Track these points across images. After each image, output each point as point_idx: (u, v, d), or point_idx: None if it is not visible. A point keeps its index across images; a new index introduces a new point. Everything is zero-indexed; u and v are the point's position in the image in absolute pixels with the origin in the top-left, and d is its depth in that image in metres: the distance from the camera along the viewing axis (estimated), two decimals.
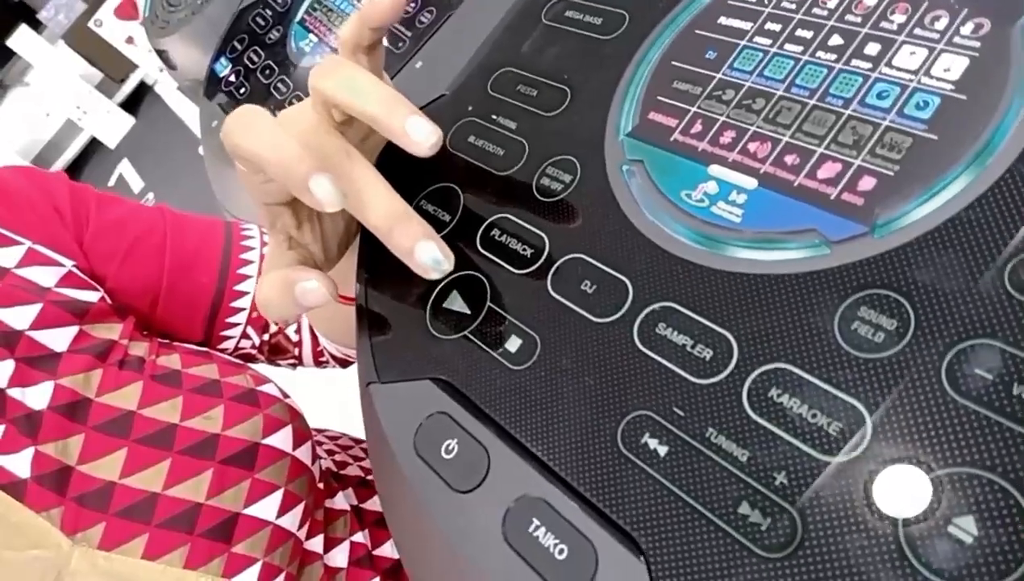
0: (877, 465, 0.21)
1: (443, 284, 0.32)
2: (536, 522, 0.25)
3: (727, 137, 0.29)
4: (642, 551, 0.23)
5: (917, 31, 0.27)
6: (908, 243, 0.23)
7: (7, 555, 0.38)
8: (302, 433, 0.49)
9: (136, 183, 3.35)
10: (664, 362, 0.26)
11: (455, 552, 0.26)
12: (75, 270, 0.47)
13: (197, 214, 0.59)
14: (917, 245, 0.23)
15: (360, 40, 0.32)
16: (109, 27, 3.18)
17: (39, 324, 0.43)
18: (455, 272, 0.31)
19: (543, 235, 0.31)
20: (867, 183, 0.25)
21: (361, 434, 0.47)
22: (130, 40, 3.19)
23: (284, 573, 0.44)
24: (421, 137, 0.28)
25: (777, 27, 0.30)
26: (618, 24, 0.35)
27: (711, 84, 0.30)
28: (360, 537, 0.52)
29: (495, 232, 0.32)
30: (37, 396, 0.41)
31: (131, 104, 3.70)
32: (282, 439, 0.47)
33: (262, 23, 0.72)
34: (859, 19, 0.28)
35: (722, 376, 0.24)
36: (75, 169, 3.70)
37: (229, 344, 0.58)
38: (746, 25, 0.31)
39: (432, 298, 0.32)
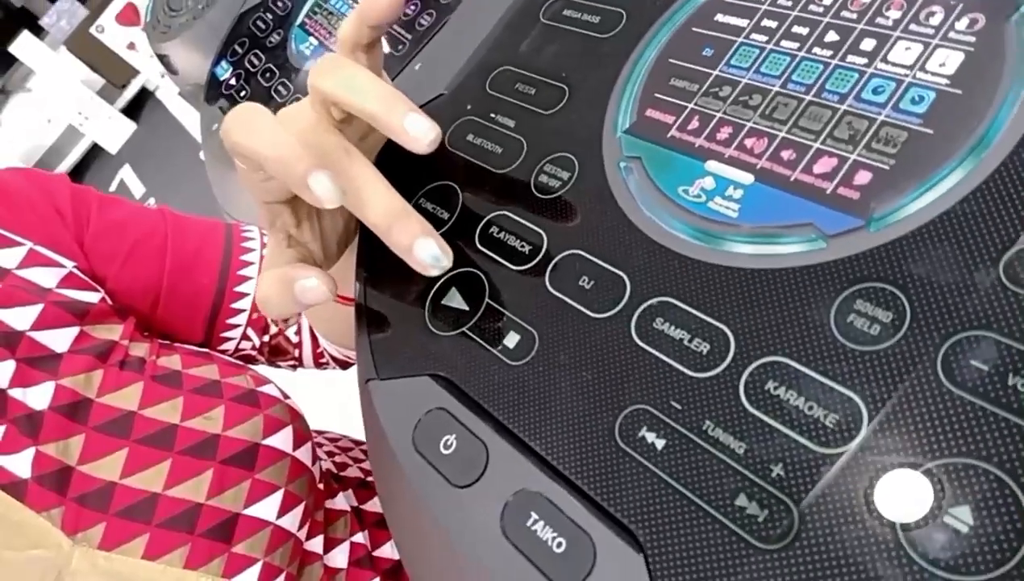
0: (873, 456, 0.21)
1: (442, 281, 0.32)
2: (534, 516, 0.25)
3: (724, 133, 0.29)
4: (640, 544, 0.23)
5: (912, 27, 0.27)
6: (904, 237, 0.23)
7: (8, 555, 0.38)
8: (302, 434, 0.49)
9: (137, 189, 3.36)
10: (661, 356, 0.26)
11: (454, 547, 0.26)
12: (76, 271, 0.48)
13: (198, 216, 0.59)
14: (913, 238, 0.23)
15: (359, 39, 0.32)
16: (111, 33, 3.19)
17: (40, 325, 0.43)
18: (454, 269, 0.31)
19: (541, 232, 0.31)
20: (863, 177, 0.25)
21: (361, 435, 0.48)
22: (131, 46, 3.21)
23: (284, 573, 0.44)
24: (420, 134, 0.28)
25: (773, 24, 0.30)
26: (616, 22, 0.35)
27: (708, 81, 0.30)
28: (360, 538, 0.52)
29: (494, 229, 0.32)
30: (38, 396, 0.41)
31: (132, 110, 3.71)
32: (282, 440, 0.47)
33: (263, 27, 0.73)
34: (854, 15, 0.28)
35: (719, 370, 0.24)
36: (76, 174, 3.71)
37: (229, 345, 0.58)
38: (742, 22, 0.31)
39: (431, 295, 0.32)
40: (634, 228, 0.29)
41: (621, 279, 0.28)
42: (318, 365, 0.64)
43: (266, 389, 0.49)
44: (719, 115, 0.29)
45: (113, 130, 3.61)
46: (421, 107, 0.29)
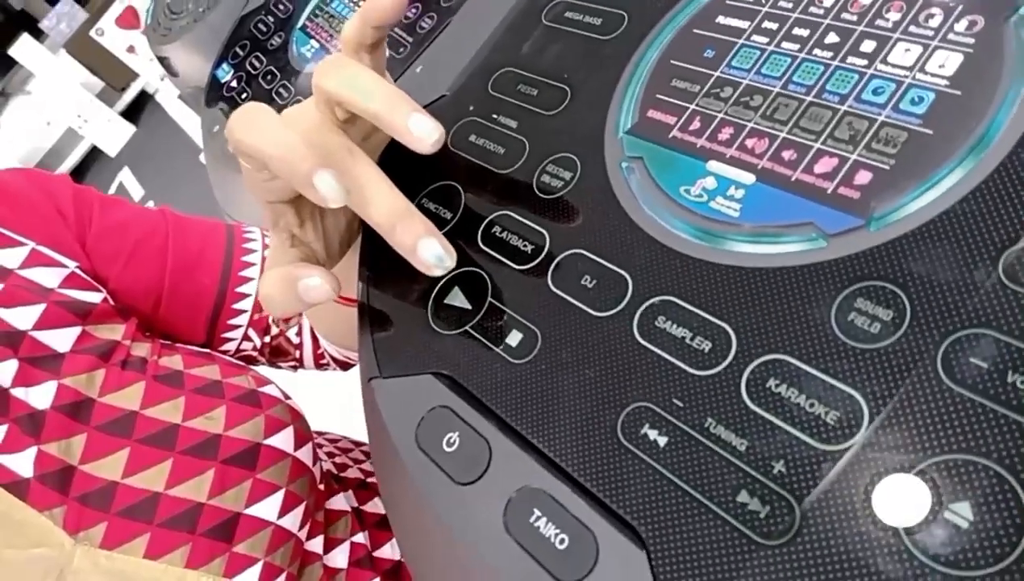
0: (874, 453, 0.21)
1: (445, 280, 0.32)
2: (537, 513, 0.25)
3: (725, 133, 0.29)
4: (642, 540, 0.23)
5: (912, 28, 0.27)
6: (904, 236, 0.24)
7: (9, 554, 0.38)
8: (303, 434, 0.49)
9: (136, 191, 3.36)
10: (663, 354, 0.26)
11: (457, 544, 0.26)
12: (78, 271, 0.48)
13: (199, 217, 0.59)
14: (912, 237, 0.23)
15: (363, 39, 0.32)
16: (110, 36, 3.20)
17: (42, 324, 0.43)
18: (457, 268, 0.31)
19: (544, 232, 0.31)
20: (863, 177, 0.25)
21: (361, 436, 0.48)
22: (131, 49, 3.21)
23: (285, 573, 0.44)
24: (424, 133, 0.28)
25: (774, 26, 0.30)
26: (617, 24, 0.35)
27: (709, 82, 0.31)
28: (360, 538, 0.52)
29: (496, 229, 0.33)
30: (40, 396, 0.41)
31: (132, 113, 3.72)
32: (283, 440, 0.47)
33: (264, 29, 0.73)
34: (855, 17, 0.28)
35: (721, 367, 0.25)
36: (76, 177, 3.68)
37: (230, 346, 0.58)
38: (744, 24, 0.31)
39: (434, 294, 0.32)
40: (636, 227, 0.29)
41: (623, 278, 0.28)
42: (319, 366, 0.64)
43: (267, 389, 0.49)
44: (720, 116, 0.29)
45: (112, 133, 3.61)
46: (424, 108, 0.29)
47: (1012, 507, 0.19)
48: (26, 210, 0.48)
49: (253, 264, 0.58)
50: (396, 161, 0.37)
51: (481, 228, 0.33)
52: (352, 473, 0.58)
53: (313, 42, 0.68)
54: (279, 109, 0.30)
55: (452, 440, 0.28)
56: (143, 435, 0.43)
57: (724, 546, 0.22)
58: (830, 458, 0.21)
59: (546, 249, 0.31)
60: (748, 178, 0.28)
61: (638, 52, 0.34)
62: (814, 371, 0.23)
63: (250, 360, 0.61)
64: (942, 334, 0.21)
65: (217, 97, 0.73)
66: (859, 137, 0.26)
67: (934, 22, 0.27)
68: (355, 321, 0.35)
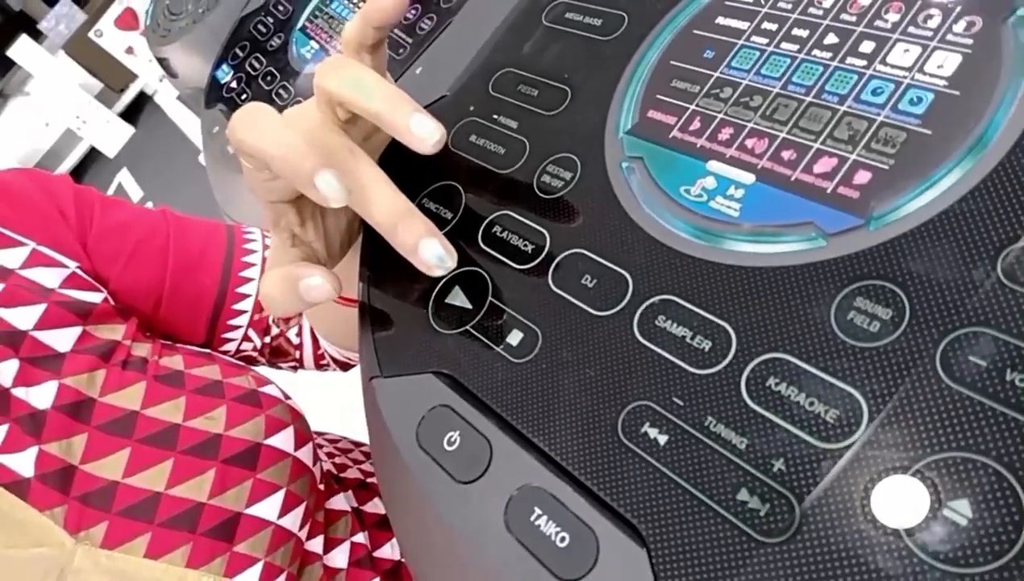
0: (874, 451, 0.21)
1: (445, 280, 0.33)
2: (538, 511, 0.25)
3: (725, 134, 0.29)
4: (643, 538, 0.23)
5: (911, 29, 0.27)
6: (903, 235, 0.24)
7: (10, 553, 0.38)
8: (303, 434, 0.49)
9: (135, 192, 3.36)
10: (664, 353, 0.26)
11: (457, 542, 0.26)
12: (79, 271, 0.48)
13: (200, 217, 0.59)
14: (912, 237, 0.24)
15: (364, 39, 0.33)
16: (109, 37, 3.20)
17: (43, 324, 0.43)
18: (457, 268, 0.32)
19: (544, 231, 0.31)
20: (863, 177, 0.25)
21: (361, 436, 0.48)
22: (130, 50, 3.21)
23: (285, 573, 0.45)
24: (425, 134, 0.29)
25: (774, 26, 0.30)
26: (617, 25, 0.35)
27: (709, 82, 0.31)
28: (361, 538, 0.52)
29: (497, 229, 0.33)
30: (41, 395, 0.41)
31: (130, 114, 3.72)
32: (284, 440, 0.47)
33: (264, 30, 0.73)
34: (854, 18, 0.29)
35: (721, 366, 0.25)
36: (75, 178, 3.66)
37: (231, 346, 0.58)
38: (743, 25, 0.31)
39: (435, 293, 0.32)
40: (636, 227, 0.29)
41: (623, 277, 0.28)
42: (319, 366, 0.64)
43: (267, 390, 0.49)
44: (720, 116, 0.30)
45: (111, 134, 3.61)
46: (424, 108, 0.29)
47: (1011, 504, 0.19)
48: (27, 210, 0.48)
49: (253, 265, 0.58)
50: (397, 161, 0.37)
51: (482, 228, 0.33)
52: (352, 473, 0.58)
53: (313, 43, 0.68)
54: (279, 110, 0.30)
55: (453, 439, 0.28)
56: (144, 435, 0.43)
57: (724, 544, 0.22)
58: (830, 456, 0.22)
59: (546, 249, 0.31)
60: (748, 178, 0.28)
61: (638, 53, 0.34)
62: (814, 370, 0.23)
63: (250, 360, 0.61)
64: (941, 333, 0.22)
65: (217, 98, 0.73)
66: (858, 137, 0.26)
67: (933, 23, 0.27)
68: (355, 321, 0.35)
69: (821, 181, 0.26)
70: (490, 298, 0.31)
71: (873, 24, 0.28)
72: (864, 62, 0.28)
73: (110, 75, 3.52)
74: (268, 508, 0.44)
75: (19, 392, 0.41)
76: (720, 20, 0.32)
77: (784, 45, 0.30)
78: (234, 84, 0.72)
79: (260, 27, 0.73)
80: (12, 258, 0.45)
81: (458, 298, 0.32)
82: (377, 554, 0.52)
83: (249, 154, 0.30)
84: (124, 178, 3.50)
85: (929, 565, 0.19)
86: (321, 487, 0.51)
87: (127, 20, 3.18)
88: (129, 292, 0.51)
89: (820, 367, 0.23)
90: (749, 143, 0.28)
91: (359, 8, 0.32)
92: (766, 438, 0.23)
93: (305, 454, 0.48)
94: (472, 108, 0.37)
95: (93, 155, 3.76)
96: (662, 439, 0.24)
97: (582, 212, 0.31)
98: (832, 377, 0.23)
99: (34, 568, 0.39)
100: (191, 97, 0.92)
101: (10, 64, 3.65)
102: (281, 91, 0.68)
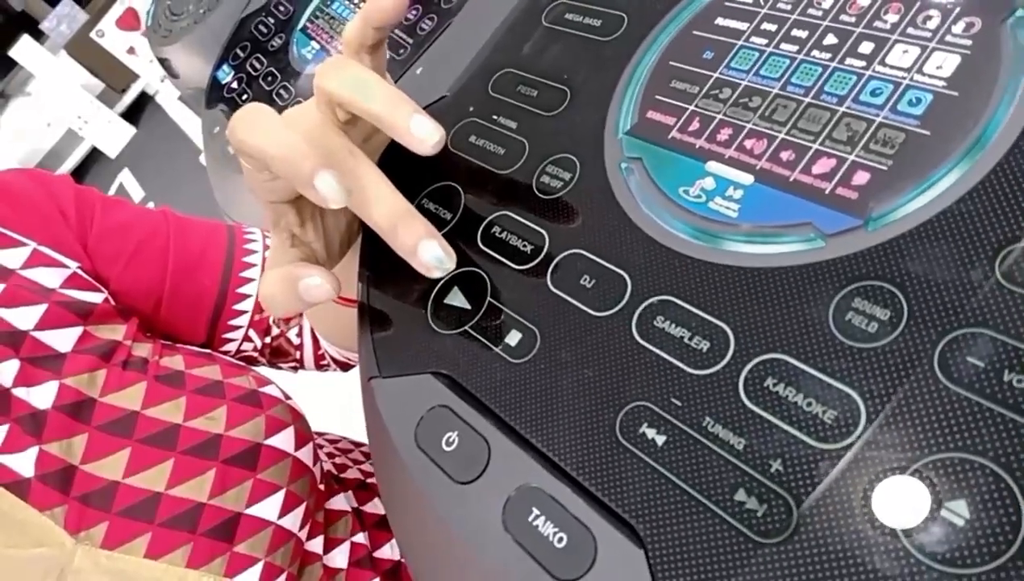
0: (871, 452, 0.21)
1: (444, 280, 0.33)
2: (536, 511, 0.25)
3: (724, 134, 0.29)
4: (640, 538, 0.23)
5: (910, 30, 0.27)
6: (901, 236, 0.24)
7: (10, 553, 0.39)
8: (304, 434, 0.49)
9: (136, 193, 3.36)
10: (662, 354, 0.26)
11: (456, 542, 0.26)
12: (79, 272, 0.48)
13: (200, 217, 0.59)
14: (910, 238, 0.24)
15: (364, 40, 0.33)
16: (111, 38, 3.20)
17: (44, 324, 0.43)
18: (456, 268, 0.32)
19: (543, 232, 0.31)
20: (861, 178, 0.25)
21: (361, 436, 0.48)
22: (131, 51, 3.22)
23: (285, 573, 0.45)
24: (425, 135, 0.29)
25: (773, 27, 0.30)
26: (617, 26, 0.35)
27: (708, 83, 0.31)
28: (361, 538, 0.52)
29: (496, 229, 0.33)
30: (41, 396, 0.41)
31: (132, 114, 3.72)
32: (284, 440, 0.47)
33: (264, 31, 0.73)
34: (853, 19, 0.29)
35: (719, 367, 0.25)
36: (76, 178, 3.67)
37: (231, 346, 0.58)
38: (743, 26, 0.31)
39: (433, 294, 0.32)
40: (635, 228, 0.29)
41: (622, 278, 0.28)
42: (319, 367, 0.64)
43: (268, 390, 0.49)
44: (719, 117, 0.30)
45: (112, 134, 3.62)
46: (424, 109, 0.29)
47: (1008, 505, 0.19)
48: (28, 210, 0.48)
49: (254, 265, 0.58)
50: (396, 162, 0.37)
51: (481, 228, 0.33)
52: (352, 474, 0.58)
53: (313, 43, 0.68)
54: (280, 110, 0.30)
55: (451, 439, 0.28)
56: (144, 435, 0.43)
57: (722, 545, 0.22)
58: (828, 457, 0.22)
59: (545, 249, 0.31)
60: (747, 179, 0.28)
61: (638, 53, 0.34)
62: (812, 370, 0.23)
63: (250, 361, 0.61)
64: (939, 333, 0.22)
65: (217, 98, 0.73)
66: (857, 138, 0.26)
67: (932, 24, 0.27)
68: (355, 322, 0.35)
69: (820, 182, 0.26)
70: (489, 298, 0.31)
71: (872, 25, 0.28)
72: (863, 63, 0.28)
73: (111, 75, 3.53)
74: (268, 508, 0.44)
75: (20, 392, 0.41)
76: (719, 21, 0.32)
77: (783, 46, 0.30)
78: (235, 84, 0.72)
79: (261, 27, 0.73)
80: (13, 258, 0.45)
81: (457, 298, 0.32)
82: (377, 554, 0.52)
83: (249, 154, 0.30)
84: (125, 178, 3.51)
85: (926, 565, 0.19)
86: (321, 487, 0.51)
87: (128, 20, 3.18)
88: (130, 292, 0.51)
89: (818, 368, 0.23)
90: (748, 144, 0.28)
91: (359, 9, 0.32)
92: (764, 439, 0.23)
93: (305, 454, 0.48)
94: (472, 109, 0.37)
95: (94, 155, 3.77)
96: (660, 439, 0.24)
97: (581, 212, 0.31)
98: (830, 378, 0.23)
99: (34, 568, 0.39)
100: (192, 97, 0.92)
101: (12, 64, 3.66)
102: (282, 91, 0.68)
